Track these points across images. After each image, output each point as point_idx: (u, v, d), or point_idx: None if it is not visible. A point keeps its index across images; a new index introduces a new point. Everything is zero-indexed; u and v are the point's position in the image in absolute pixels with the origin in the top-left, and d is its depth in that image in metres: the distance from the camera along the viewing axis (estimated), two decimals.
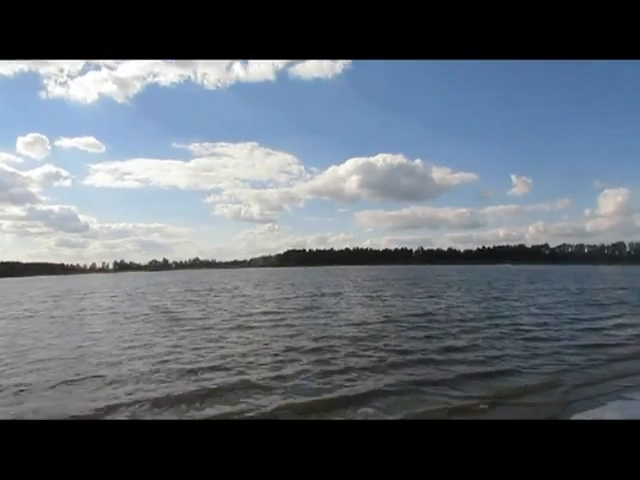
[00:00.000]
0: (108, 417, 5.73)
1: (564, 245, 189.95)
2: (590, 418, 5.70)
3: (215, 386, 7.07)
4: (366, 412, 5.98)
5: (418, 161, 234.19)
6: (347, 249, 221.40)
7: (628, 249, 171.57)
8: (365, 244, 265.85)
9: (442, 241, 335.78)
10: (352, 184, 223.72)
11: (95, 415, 5.82)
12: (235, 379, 7.48)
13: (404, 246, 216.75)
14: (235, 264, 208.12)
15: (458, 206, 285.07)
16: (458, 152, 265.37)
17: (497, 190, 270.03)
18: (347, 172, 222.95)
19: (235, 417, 5.70)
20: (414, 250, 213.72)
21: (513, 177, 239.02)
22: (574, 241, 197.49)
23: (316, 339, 11.12)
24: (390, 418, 5.70)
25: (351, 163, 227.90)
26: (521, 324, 13.60)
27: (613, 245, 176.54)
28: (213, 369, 8.16)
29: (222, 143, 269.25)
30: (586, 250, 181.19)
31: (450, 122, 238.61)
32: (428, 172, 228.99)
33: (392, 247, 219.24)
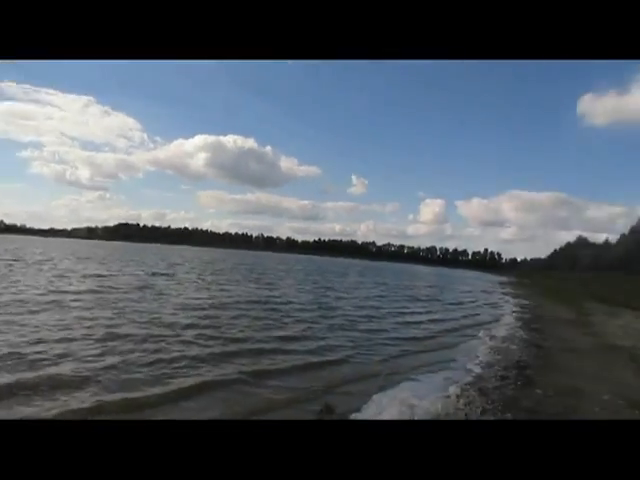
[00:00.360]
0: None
1: (389, 244, 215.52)
2: (388, 398, 6.28)
3: (10, 380, 5.83)
4: (188, 407, 5.57)
5: (268, 148, 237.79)
6: (186, 228, 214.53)
7: (438, 253, 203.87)
8: (206, 225, 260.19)
9: (282, 230, 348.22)
10: (199, 161, 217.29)
11: None
12: (38, 371, 6.31)
13: (245, 231, 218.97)
14: (52, 232, 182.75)
15: (301, 198, 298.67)
16: (307, 145, 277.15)
17: (338, 187, 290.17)
18: (195, 148, 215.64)
19: (96, 418, 4.84)
20: (254, 236, 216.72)
21: (354, 177, 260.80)
22: (397, 242, 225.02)
23: (142, 324, 10.19)
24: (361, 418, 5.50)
25: (200, 139, 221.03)
26: (348, 315, 14.73)
27: (427, 248, 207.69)
28: (9, 358, 6.76)
29: (49, 90, 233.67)
30: (406, 251, 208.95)
31: (305, 114, 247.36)
32: (277, 160, 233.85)
33: (233, 231, 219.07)
